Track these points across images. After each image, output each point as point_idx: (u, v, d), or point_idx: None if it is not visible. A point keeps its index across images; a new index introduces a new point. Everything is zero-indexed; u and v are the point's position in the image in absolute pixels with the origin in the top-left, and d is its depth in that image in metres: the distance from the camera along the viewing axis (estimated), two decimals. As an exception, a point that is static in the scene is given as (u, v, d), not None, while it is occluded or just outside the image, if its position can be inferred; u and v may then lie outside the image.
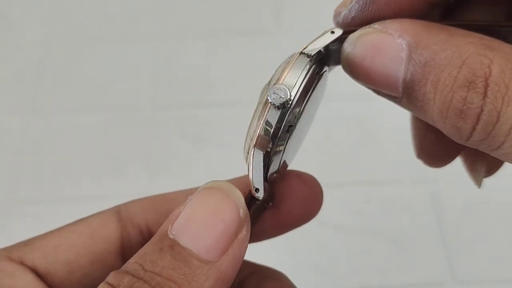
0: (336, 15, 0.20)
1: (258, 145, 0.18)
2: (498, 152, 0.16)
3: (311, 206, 0.23)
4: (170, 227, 0.17)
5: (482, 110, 0.15)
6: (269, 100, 0.17)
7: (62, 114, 0.57)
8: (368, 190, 0.50)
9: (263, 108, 0.18)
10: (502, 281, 0.45)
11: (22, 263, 0.19)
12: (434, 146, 0.24)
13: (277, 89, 0.17)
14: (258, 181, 0.18)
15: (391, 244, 0.47)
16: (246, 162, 0.19)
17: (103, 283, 0.16)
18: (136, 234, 0.21)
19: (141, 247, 0.20)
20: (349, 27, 0.19)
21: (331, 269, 0.46)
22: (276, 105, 0.17)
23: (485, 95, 0.15)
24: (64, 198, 0.50)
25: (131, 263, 0.17)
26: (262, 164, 0.18)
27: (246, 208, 0.17)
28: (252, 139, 0.18)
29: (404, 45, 0.16)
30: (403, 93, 0.17)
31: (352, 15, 0.19)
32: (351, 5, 0.19)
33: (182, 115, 0.56)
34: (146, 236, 0.21)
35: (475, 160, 0.24)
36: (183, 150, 0.53)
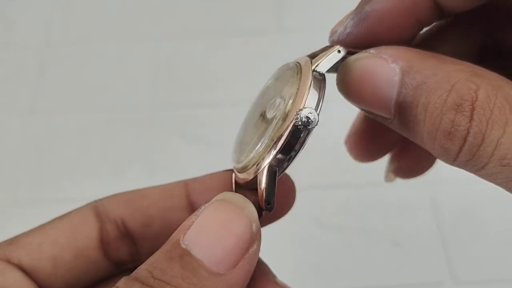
0: (332, 33, 0.21)
1: (275, 163, 0.18)
2: (482, 173, 0.17)
3: (287, 203, 0.23)
4: (182, 236, 0.17)
5: (468, 132, 0.16)
6: (299, 123, 0.17)
7: (62, 114, 0.57)
8: (368, 191, 0.50)
9: (280, 127, 0.18)
10: (500, 281, 0.45)
11: (8, 261, 0.20)
12: (371, 140, 0.26)
13: (309, 113, 0.17)
14: (271, 197, 0.18)
15: (391, 245, 0.47)
16: (238, 165, 0.19)
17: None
18: (113, 229, 0.22)
19: (119, 240, 0.21)
20: (344, 44, 0.20)
21: (331, 269, 0.46)
22: (307, 127, 0.17)
23: (471, 118, 0.16)
24: (63, 198, 0.50)
25: (142, 270, 0.17)
26: (275, 180, 0.18)
27: (258, 223, 0.17)
28: (263, 155, 0.18)
29: (397, 70, 0.17)
30: (395, 114, 0.18)
31: (347, 31, 0.20)
32: (347, 22, 0.20)
33: (182, 115, 0.56)
34: (122, 230, 0.22)
35: (395, 158, 0.26)
36: (182, 150, 0.53)
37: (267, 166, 0.18)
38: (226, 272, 0.16)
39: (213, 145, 0.52)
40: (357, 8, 0.21)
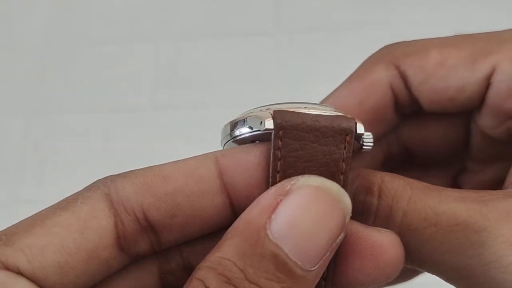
0: None
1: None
2: None
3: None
4: (268, 223, 0.16)
5: (378, 209, 0.19)
6: (364, 142, 0.19)
7: (63, 114, 0.57)
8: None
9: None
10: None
11: (7, 269, 0.16)
12: None
13: (368, 137, 0.19)
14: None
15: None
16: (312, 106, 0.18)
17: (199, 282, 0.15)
18: (131, 222, 0.18)
19: (138, 234, 0.18)
20: None
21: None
22: (363, 147, 0.19)
23: (379, 196, 0.19)
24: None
25: (229, 263, 0.16)
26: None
27: (350, 214, 0.17)
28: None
29: None
30: None
31: None
32: None
33: (182, 115, 0.56)
34: (142, 223, 0.18)
35: None
36: (183, 150, 0.53)
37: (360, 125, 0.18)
38: (316, 268, 0.16)
39: (213, 145, 0.52)
40: None
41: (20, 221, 0.18)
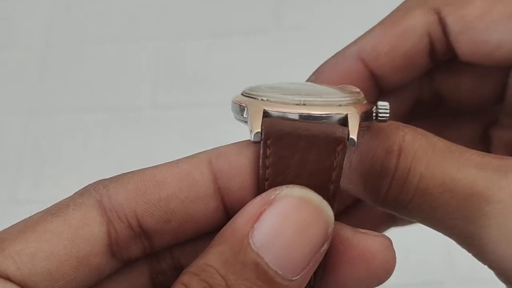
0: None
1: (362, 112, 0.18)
2: (409, 208, 0.19)
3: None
4: (251, 232, 0.16)
5: (396, 169, 0.19)
6: (379, 112, 0.18)
7: (63, 114, 0.57)
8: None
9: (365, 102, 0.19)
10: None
11: None
12: None
13: (385, 108, 0.19)
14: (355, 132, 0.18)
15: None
16: (311, 99, 0.18)
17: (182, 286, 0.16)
18: (124, 228, 0.18)
19: (130, 240, 0.18)
20: None
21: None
22: (378, 116, 0.18)
23: (399, 156, 0.19)
24: (64, 198, 0.50)
25: (212, 271, 0.16)
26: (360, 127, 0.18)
27: (333, 224, 0.17)
28: (356, 105, 0.18)
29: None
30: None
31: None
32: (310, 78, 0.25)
33: (182, 115, 0.56)
34: (136, 229, 0.18)
35: None
36: (182, 150, 0.53)
37: (361, 113, 0.18)
38: (298, 277, 0.16)
39: (213, 145, 0.52)
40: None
41: (10, 227, 0.18)
